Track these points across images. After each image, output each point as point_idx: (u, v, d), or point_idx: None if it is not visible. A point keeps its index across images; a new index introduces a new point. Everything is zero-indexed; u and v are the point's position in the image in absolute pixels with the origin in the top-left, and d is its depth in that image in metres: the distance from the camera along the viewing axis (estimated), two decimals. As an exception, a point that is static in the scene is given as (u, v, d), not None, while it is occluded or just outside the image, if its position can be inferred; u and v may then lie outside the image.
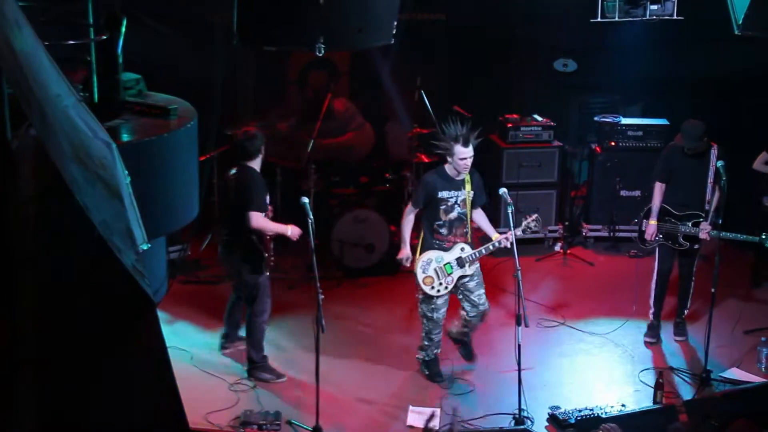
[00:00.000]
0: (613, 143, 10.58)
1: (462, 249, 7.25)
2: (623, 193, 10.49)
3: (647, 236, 8.19)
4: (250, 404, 7.07)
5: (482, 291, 7.38)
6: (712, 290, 7.48)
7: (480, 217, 7.47)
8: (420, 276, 7.31)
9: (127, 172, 4.13)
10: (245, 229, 7.29)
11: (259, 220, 7.28)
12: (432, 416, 6.63)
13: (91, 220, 3.00)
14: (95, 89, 5.74)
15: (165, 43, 9.86)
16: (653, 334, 8.31)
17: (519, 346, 6.66)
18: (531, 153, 10.44)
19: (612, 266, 9.74)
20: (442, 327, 7.52)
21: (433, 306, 7.38)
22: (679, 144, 8.16)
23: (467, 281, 7.32)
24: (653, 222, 8.15)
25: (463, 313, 7.49)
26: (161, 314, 3.38)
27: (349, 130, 10.79)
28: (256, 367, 7.51)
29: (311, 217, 6.73)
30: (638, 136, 10.55)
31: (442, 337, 7.58)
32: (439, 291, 7.30)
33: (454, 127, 7.06)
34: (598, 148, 10.71)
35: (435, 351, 7.60)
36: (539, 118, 10.65)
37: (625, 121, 10.73)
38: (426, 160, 10.24)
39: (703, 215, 8.02)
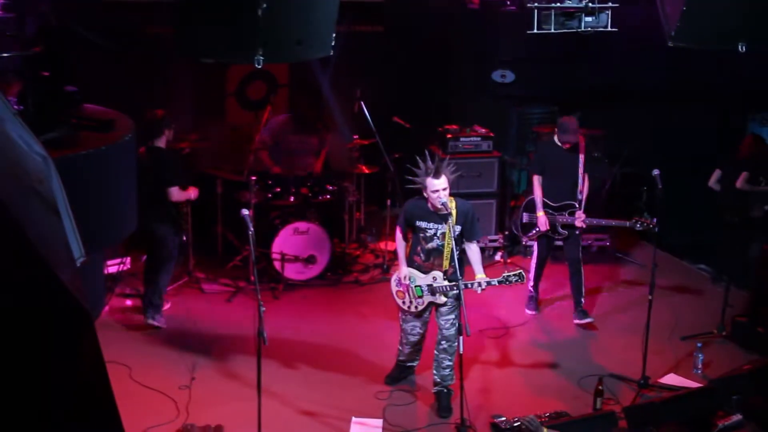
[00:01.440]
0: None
1: (434, 278, 7.13)
2: None
3: (541, 226, 8.72)
4: (192, 418, 7.00)
5: (451, 317, 7.17)
6: (649, 297, 7.59)
7: (471, 253, 7.19)
8: (393, 287, 7.34)
9: (62, 185, 4.08)
10: (167, 202, 8.45)
11: (179, 194, 8.51)
12: None
13: (25, 235, 2.96)
14: (30, 102, 5.66)
15: (102, 56, 9.76)
16: (533, 306, 9.15)
17: (460, 355, 6.67)
18: (471, 163, 10.45)
19: (551, 274, 9.78)
20: (411, 344, 7.46)
21: (403, 318, 7.40)
22: (551, 140, 8.86)
23: (440, 306, 7.23)
24: (541, 213, 8.73)
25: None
26: (99, 329, 3.33)
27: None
28: (155, 308, 8.57)
29: (251, 229, 6.68)
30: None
31: (410, 352, 7.56)
32: (408, 307, 7.29)
33: (426, 162, 6.99)
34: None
35: (400, 357, 7.62)
36: (479, 129, 10.70)
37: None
38: (366, 171, 10.28)
39: (577, 204, 8.68)
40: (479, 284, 6.95)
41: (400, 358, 7.64)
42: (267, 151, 10.30)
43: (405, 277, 7.18)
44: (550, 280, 9.49)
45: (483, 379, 7.77)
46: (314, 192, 9.94)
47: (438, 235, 7.07)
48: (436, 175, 6.90)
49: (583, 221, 8.65)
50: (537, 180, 8.85)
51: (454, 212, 7.00)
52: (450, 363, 7.25)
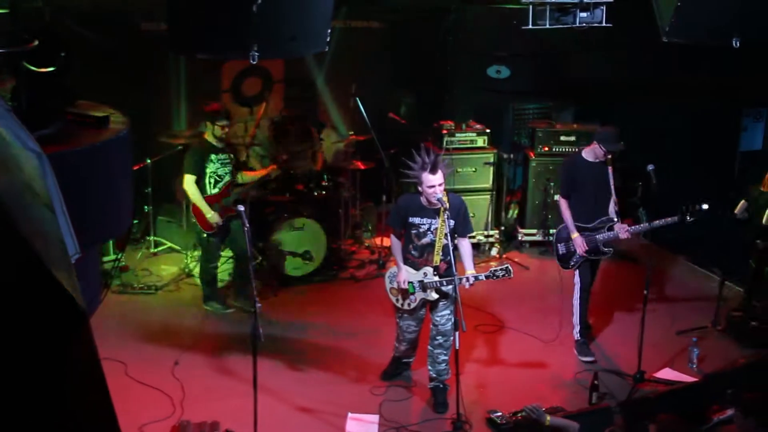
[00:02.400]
0: (546, 148, 10.70)
1: (425, 274, 7.09)
2: (556, 197, 10.50)
3: (580, 250, 7.96)
4: (188, 415, 6.98)
5: (447, 312, 7.13)
6: (645, 292, 7.58)
7: (463, 249, 7.11)
8: (387, 285, 7.34)
9: (57, 181, 4.06)
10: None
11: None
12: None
13: (19, 231, 2.94)
14: (24, 98, 5.63)
15: (97, 52, 9.74)
16: (587, 352, 8.13)
17: (457, 351, 6.67)
18: (466, 159, 10.48)
19: (546, 270, 9.80)
20: (408, 341, 7.44)
21: (399, 314, 7.38)
22: (577, 156, 8.17)
23: (433, 302, 7.21)
24: (576, 235, 7.97)
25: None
26: (94, 325, 3.32)
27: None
28: (210, 297, 8.89)
29: (247, 225, 6.67)
30: (571, 141, 10.67)
31: (406, 349, 7.54)
32: (402, 305, 7.27)
33: (421, 157, 6.95)
34: (531, 153, 10.80)
35: (396, 354, 7.62)
36: (474, 125, 10.70)
37: (559, 126, 10.88)
38: (362, 167, 10.27)
39: (615, 218, 8.02)
40: (467, 279, 6.90)
41: (396, 355, 7.63)
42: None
43: (404, 282, 7.13)
44: (549, 275, 9.45)
45: (478, 375, 7.77)
46: (310, 188, 9.93)
47: (431, 230, 7.04)
48: (433, 171, 6.86)
49: (628, 231, 7.91)
50: (564, 204, 8.07)
51: (444, 208, 6.93)
52: (445, 358, 7.24)
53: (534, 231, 10.80)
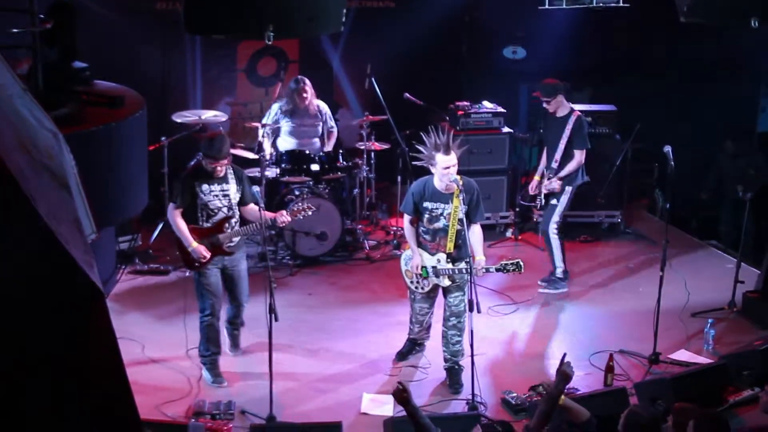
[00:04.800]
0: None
1: (438, 260, 7.08)
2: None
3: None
4: (203, 394, 7.01)
5: (459, 294, 7.11)
6: (660, 273, 7.55)
7: (473, 235, 7.01)
8: (402, 266, 7.34)
9: (74, 162, 4.06)
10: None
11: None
12: None
13: (36, 210, 2.94)
14: (40, 78, 5.64)
15: (113, 32, 9.74)
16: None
17: (471, 332, 6.66)
18: (481, 140, 10.41)
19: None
20: (420, 323, 7.45)
21: (413, 296, 7.38)
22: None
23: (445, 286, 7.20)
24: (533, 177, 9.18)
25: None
26: (111, 305, 3.33)
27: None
28: (202, 356, 7.39)
29: (262, 205, 6.68)
30: (587, 122, 10.54)
31: (420, 330, 7.54)
32: (416, 287, 7.27)
33: (434, 137, 6.88)
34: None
35: (411, 335, 7.61)
36: (489, 105, 10.64)
37: (575, 106, 10.75)
38: (377, 148, 10.23)
39: (552, 174, 8.89)
40: (477, 269, 6.91)
41: (411, 336, 7.63)
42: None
43: (418, 267, 7.11)
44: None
45: (493, 356, 7.75)
46: (325, 169, 9.91)
47: (444, 215, 7.00)
48: (446, 151, 6.81)
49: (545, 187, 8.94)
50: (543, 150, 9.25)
51: (459, 191, 6.92)
52: (459, 339, 7.22)
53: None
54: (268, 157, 9.86)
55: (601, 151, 10.02)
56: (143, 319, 8.30)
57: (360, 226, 10.25)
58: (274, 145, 10.15)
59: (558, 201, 8.92)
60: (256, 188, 6.56)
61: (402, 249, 8.90)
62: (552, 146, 8.97)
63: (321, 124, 10.20)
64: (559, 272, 8.97)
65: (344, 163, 10.05)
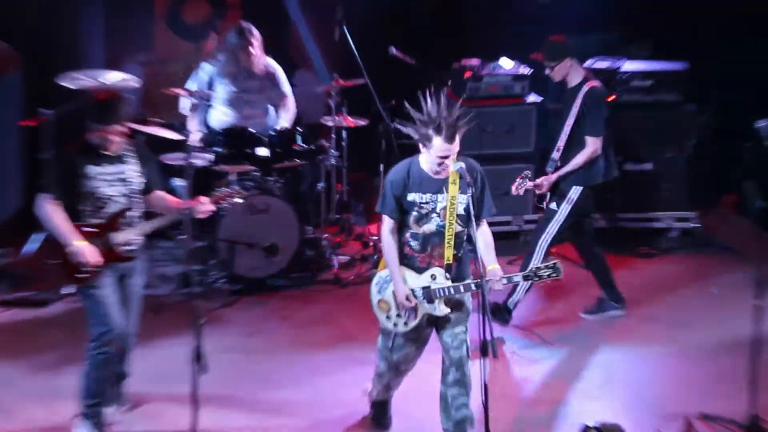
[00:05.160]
0: (612, 97, 10.47)
1: (433, 277, 6.87)
2: (628, 166, 10.53)
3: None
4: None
5: (462, 330, 6.95)
6: (756, 303, 7.37)
7: (480, 237, 6.88)
8: (374, 297, 7.07)
9: None
10: None
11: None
12: None
13: None
14: None
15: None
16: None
17: (486, 386, 6.44)
18: (498, 113, 10.48)
19: (614, 268, 9.60)
20: (400, 378, 7.31)
21: (391, 344, 7.13)
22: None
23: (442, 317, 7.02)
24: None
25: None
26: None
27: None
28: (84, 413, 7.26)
29: (187, 206, 6.54)
30: (647, 87, 10.61)
31: (393, 387, 7.42)
32: (396, 325, 7.02)
33: (434, 107, 6.68)
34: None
35: (384, 394, 7.47)
36: (509, 64, 10.65)
37: (629, 66, 10.78)
38: (351, 125, 10.33)
39: (551, 168, 8.89)
40: (494, 281, 6.73)
41: (375, 399, 7.47)
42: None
43: (404, 295, 6.86)
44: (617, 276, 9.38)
45: (518, 421, 7.64)
46: (277, 153, 9.87)
47: (438, 210, 6.80)
48: (450, 137, 6.60)
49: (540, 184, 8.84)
50: None
51: (457, 175, 6.76)
52: (466, 400, 6.98)
53: (595, 215, 10.56)
54: (196, 138, 9.83)
55: (666, 127, 9.99)
56: (10, 374, 8.20)
57: (326, 236, 10.26)
58: (205, 121, 10.16)
59: (558, 207, 8.87)
60: (179, 182, 6.32)
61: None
62: (560, 128, 9.00)
63: (272, 91, 10.19)
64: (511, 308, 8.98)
65: (304, 146, 10.03)
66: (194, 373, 6.39)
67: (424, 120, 6.73)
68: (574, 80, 8.89)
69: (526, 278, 6.84)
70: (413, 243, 6.88)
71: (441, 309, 6.86)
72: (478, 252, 6.66)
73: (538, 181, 8.72)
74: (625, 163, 10.40)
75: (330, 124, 10.27)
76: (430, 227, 6.82)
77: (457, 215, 6.74)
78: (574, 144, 8.78)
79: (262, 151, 9.76)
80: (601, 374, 8.31)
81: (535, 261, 8.73)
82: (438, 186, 6.77)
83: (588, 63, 10.87)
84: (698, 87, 10.51)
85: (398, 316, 6.93)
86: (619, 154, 10.34)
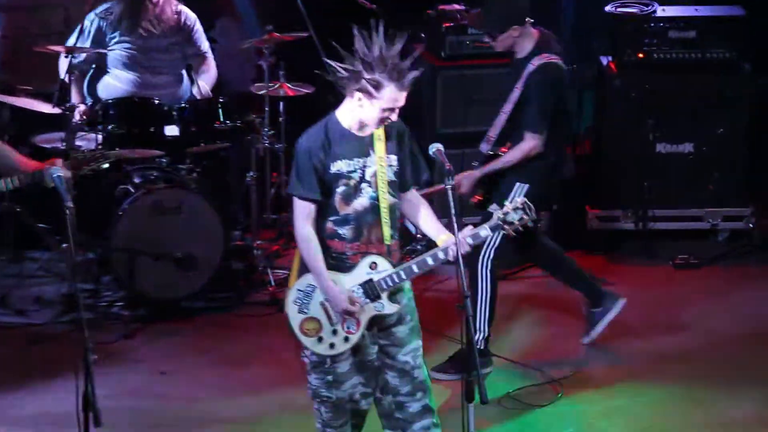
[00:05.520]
0: (641, 55, 10.62)
1: (373, 265, 7.00)
2: (661, 147, 10.65)
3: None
4: None
5: (418, 344, 7.09)
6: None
7: (415, 209, 7.16)
8: (294, 320, 7.11)
9: None
10: None
11: None
12: None
13: None
14: None
15: None
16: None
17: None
18: (487, 76, 10.51)
19: (643, 284, 9.76)
20: (362, 421, 7.39)
21: (330, 377, 7.18)
22: None
23: (390, 327, 7.10)
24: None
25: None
26: None
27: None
28: None
29: (70, 203, 6.59)
30: (689, 40, 10.68)
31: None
32: (333, 345, 7.12)
33: (379, 44, 6.77)
34: (612, 65, 10.78)
35: None
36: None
37: (663, 12, 10.89)
38: (290, 93, 10.34)
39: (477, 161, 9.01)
40: (463, 243, 6.84)
41: None
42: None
43: (345, 300, 6.92)
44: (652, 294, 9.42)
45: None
46: (191, 134, 9.93)
47: (367, 178, 6.92)
48: (406, 85, 6.77)
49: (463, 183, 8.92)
50: None
51: (381, 130, 6.91)
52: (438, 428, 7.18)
53: (617, 212, 10.73)
54: (79, 111, 9.83)
55: (713, 94, 10.07)
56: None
57: (259, 242, 10.31)
58: (92, 89, 10.22)
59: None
60: (58, 171, 6.42)
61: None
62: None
63: (185, 48, 10.31)
64: (481, 343, 8.97)
65: (228, 122, 10.07)
66: (82, 427, 6.34)
67: (369, 61, 6.86)
68: (523, 50, 8.87)
69: (494, 229, 6.93)
70: (342, 231, 6.90)
71: (389, 306, 6.97)
72: (459, 266, 6.76)
73: (457, 177, 8.60)
74: (657, 143, 10.54)
75: (262, 93, 10.27)
76: (362, 203, 6.88)
77: (388, 182, 6.89)
78: (514, 133, 8.87)
79: (172, 130, 9.79)
80: (622, 424, 8.41)
81: (485, 289, 8.87)
82: (364, 146, 6.86)
83: (608, 7, 11.00)
84: (758, 40, 10.64)
85: (334, 333, 6.98)
86: (650, 130, 10.55)
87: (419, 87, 10.42)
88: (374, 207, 6.90)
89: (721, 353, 9.23)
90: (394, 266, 6.94)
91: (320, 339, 7.03)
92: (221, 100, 10.09)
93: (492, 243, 8.73)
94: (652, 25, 10.71)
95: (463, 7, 10.63)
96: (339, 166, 6.86)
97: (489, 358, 8.90)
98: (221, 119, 10.00)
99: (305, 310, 7.05)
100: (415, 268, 6.90)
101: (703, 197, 10.34)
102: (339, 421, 7.26)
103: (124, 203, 9.52)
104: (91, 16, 10.09)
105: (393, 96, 6.70)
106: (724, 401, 8.59)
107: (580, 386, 8.80)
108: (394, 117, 6.78)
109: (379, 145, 6.84)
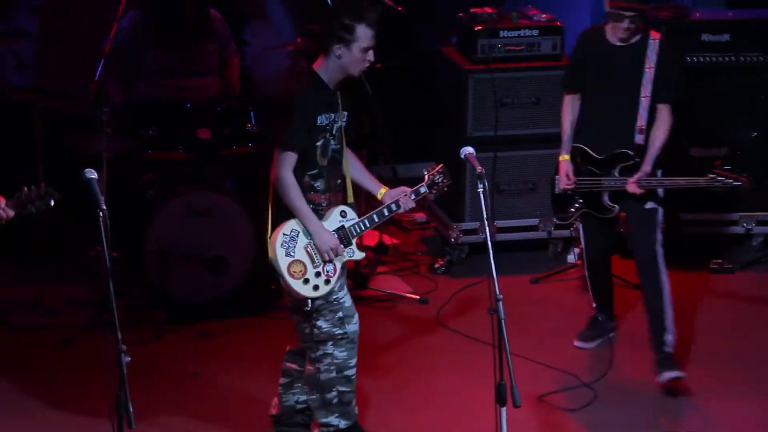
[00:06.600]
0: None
1: (343, 213, 7.43)
2: (694, 151, 10.68)
3: (561, 183, 8.88)
4: None
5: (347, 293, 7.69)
6: None
7: (353, 162, 7.69)
8: (282, 263, 7.34)
9: None
10: None
11: None
12: None
13: None
14: None
15: None
16: (590, 334, 9.33)
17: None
18: (520, 79, 10.53)
19: (677, 288, 9.75)
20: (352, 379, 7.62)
21: (341, 312, 7.47)
22: (599, 28, 8.92)
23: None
24: (562, 158, 8.91)
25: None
26: None
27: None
28: None
29: (104, 207, 6.62)
30: (722, 44, 10.65)
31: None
32: (317, 288, 7.35)
33: None
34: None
35: (355, 411, 7.69)
36: (534, 15, 10.75)
37: (697, 15, 10.89)
38: None
39: (634, 152, 8.69)
40: (405, 195, 7.44)
41: (355, 411, 7.70)
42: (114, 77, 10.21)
43: (336, 246, 7.35)
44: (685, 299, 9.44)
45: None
46: (223, 136, 9.94)
47: (334, 132, 7.36)
48: (376, 22, 7.18)
49: (638, 184, 8.59)
50: (568, 102, 9.03)
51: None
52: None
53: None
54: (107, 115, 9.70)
55: (744, 97, 10.05)
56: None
57: None
58: (126, 90, 10.21)
59: (654, 202, 8.88)
60: (91, 174, 6.46)
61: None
62: (620, 98, 8.84)
63: (215, 50, 10.34)
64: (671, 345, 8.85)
65: (260, 126, 10.06)
66: (115, 429, 6.25)
67: (335, 10, 7.13)
68: (636, 34, 8.73)
69: (430, 189, 7.56)
70: (317, 183, 7.35)
71: (358, 253, 7.53)
72: (492, 271, 6.73)
73: (634, 180, 8.56)
74: (689, 147, 10.56)
75: (294, 94, 10.23)
76: (335, 155, 7.42)
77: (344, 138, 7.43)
78: (653, 117, 8.75)
79: (204, 133, 9.80)
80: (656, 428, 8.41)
81: (667, 307, 8.74)
82: (336, 101, 7.37)
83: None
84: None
85: (317, 275, 7.34)
86: (683, 134, 10.52)
87: (446, 90, 10.53)
88: (337, 159, 7.44)
89: (756, 358, 9.24)
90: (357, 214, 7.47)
91: (306, 281, 7.37)
92: (253, 104, 10.12)
93: (659, 230, 8.79)
94: (685, 28, 10.68)
95: (495, 11, 10.61)
96: (322, 119, 7.32)
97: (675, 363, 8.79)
98: (253, 122, 10.02)
99: (291, 253, 7.37)
100: (375, 218, 7.54)
101: (737, 202, 10.28)
102: (354, 359, 7.58)
103: (155, 205, 9.59)
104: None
105: (368, 35, 7.20)
106: (760, 403, 8.64)
107: (613, 390, 8.78)
108: (372, 57, 7.26)
109: (341, 101, 7.33)
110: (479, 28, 10.48)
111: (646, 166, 8.59)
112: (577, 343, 9.27)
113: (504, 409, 6.56)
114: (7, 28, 10.09)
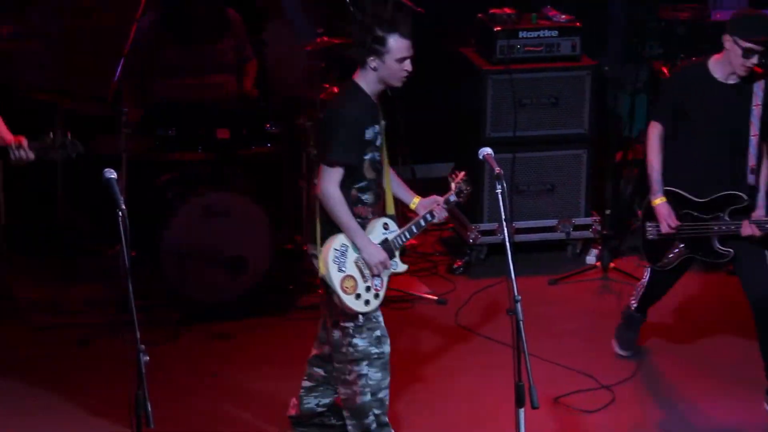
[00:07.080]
0: (694, 59, 10.57)
1: (386, 225, 7.36)
2: None
3: (663, 226, 8.45)
4: None
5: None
6: None
7: (389, 173, 7.61)
8: (335, 277, 7.28)
9: None
10: None
11: None
12: None
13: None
14: None
15: None
16: (628, 340, 9.19)
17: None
18: (540, 80, 10.52)
19: (700, 292, 9.72)
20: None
21: (378, 331, 7.42)
22: (701, 62, 8.53)
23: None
24: (659, 201, 8.46)
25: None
26: None
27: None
28: None
29: (123, 206, 6.63)
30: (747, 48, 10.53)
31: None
32: (368, 303, 7.32)
33: (369, 6, 7.05)
34: (665, 70, 10.76)
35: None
36: (553, 16, 10.74)
37: (717, 16, 10.86)
38: None
39: (745, 196, 8.35)
40: (438, 204, 7.43)
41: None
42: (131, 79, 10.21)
43: (384, 260, 7.30)
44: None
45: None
46: (241, 137, 9.95)
47: (378, 143, 7.30)
48: (406, 30, 7.03)
49: (757, 225, 8.29)
50: (654, 134, 8.57)
51: None
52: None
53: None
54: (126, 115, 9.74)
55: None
56: None
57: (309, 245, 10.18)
58: (144, 91, 10.25)
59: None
60: (111, 174, 6.47)
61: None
62: (728, 138, 8.49)
63: (233, 50, 10.36)
64: None
65: (279, 126, 10.10)
66: (134, 428, 6.28)
67: (368, 23, 7.05)
68: (737, 68, 8.36)
69: (458, 196, 7.50)
70: (365, 197, 7.27)
71: (401, 265, 7.43)
72: (510, 272, 6.70)
73: (752, 223, 8.29)
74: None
75: (312, 95, 10.24)
76: (379, 167, 7.35)
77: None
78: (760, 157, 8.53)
79: (223, 133, 9.81)
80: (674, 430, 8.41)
81: None
82: (378, 113, 7.28)
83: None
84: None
85: (367, 290, 7.30)
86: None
87: (465, 90, 10.53)
88: (380, 171, 7.37)
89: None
90: (398, 226, 7.42)
91: (357, 296, 7.32)
92: (271, 104, 10.16)
93: None
94: (705, 28, 10.65)
95: (514, 12, 10.60)
96: (370, 133, 7.22)
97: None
98: (271, 122, 10.02)
99: (343, 269, 7.31)
100: (414, 229, 7.46)
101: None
102: (387, 380, 7.51)
103: (174, 205, 9.61)
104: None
105: (403, 45, 7.07)
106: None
107: (631, 392, 8.81)
108: (409, 67, 7.13)
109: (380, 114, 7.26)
110: (498, 28, 10.46)
111: (762, 208, 8.40)
112: (618, 351, 9.18)
113: (522, 410, 6.57)
114: (27, 30, 10.05)
